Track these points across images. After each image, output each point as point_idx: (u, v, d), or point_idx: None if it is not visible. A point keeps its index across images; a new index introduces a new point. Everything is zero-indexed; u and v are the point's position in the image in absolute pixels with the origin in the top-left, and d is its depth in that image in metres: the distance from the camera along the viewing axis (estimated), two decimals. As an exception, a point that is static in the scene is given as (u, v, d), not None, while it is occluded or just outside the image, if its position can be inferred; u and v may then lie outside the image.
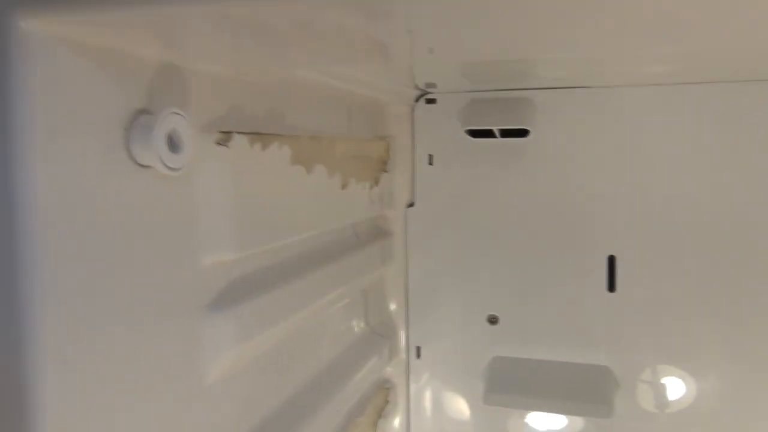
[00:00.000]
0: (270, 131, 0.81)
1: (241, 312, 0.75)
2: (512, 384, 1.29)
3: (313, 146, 0.93)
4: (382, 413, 1.31)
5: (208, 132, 0.68)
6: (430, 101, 1.35)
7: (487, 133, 1.28)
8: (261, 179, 0.79)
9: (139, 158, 0.57)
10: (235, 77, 0.74)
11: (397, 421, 1.40)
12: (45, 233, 0.48)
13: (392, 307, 1.40)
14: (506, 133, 1.27)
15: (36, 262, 0.48)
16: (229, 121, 0.73)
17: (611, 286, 1.25)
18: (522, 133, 1.26)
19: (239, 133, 0.73)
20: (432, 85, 1.29)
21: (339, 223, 1.09)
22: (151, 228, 0.61)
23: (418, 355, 1.41)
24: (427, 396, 1.42)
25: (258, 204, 0.79)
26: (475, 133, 1.29)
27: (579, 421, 1.31)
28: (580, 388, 1.25)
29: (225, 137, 0.70)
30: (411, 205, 1.38)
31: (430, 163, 1.36)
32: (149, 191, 0.60)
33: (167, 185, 0.62)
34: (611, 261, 1.25)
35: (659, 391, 1.26)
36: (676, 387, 1.25)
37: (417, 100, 1.36)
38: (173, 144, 0.58)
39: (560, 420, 1.33)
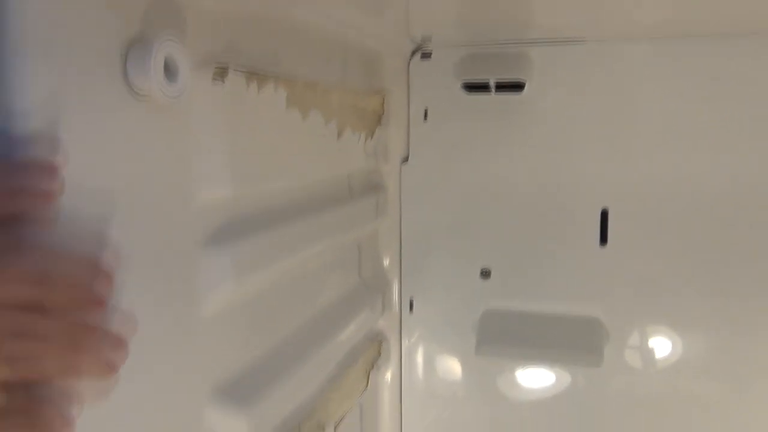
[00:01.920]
0: (266, 72, 0.81)
1: (237, 249, 0.76)
2: (504, 335, 1.31)
3: (309, 92, 0.93)
4: (374, 365, 1.33)
5: (204, 66, 0.68)
6: (426, 55, 1.34)
7: (483, 88, 1.28)
8: (256, 118, 0.79)
9: (137, 86, 0.57)
10: (232, 12, 0.74)
11: (389, 373, 1.42)
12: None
13: (385, 260, 1.41)
14: (501, 87, 1.27)
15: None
16: (224, 58, 0.72)
17: (603, 240, 1.27)
18: (517, 87, 1.26)
19: (235, 70, 0.73)
20: (428, 39, 1.29)
21: (334, 172, 1.09)
22: (148, 160, 0.61)
23: (411, 309, 1.42)
24: (420, 349, 1.44)
25: (253, 143, 0.79)
26: (471, 88, 1.30)
27: (568, 375, 1.34)
28: (570, 339, 1.27)
29: (221, 72, 0.70)
30: (405, 159, 1.38)
31: (425, 118, 1.36)
32: (147, 121, 0.60)
33: (165, 116, 0.62)
34: (604, 215, 1.26)
35: (649, 343, 1.28)
36: (665, 340, 1.27)
37: (413, 54, 1.35)
38: (169, 72, 0.59)
39: (551, 373, 1.35)
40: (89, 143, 0.53)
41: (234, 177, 0.75)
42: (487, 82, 1.25)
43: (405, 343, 1.44)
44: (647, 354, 1.28)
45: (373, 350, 1.34)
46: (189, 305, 0.69)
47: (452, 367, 1.42)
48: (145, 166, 0.60)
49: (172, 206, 0.65)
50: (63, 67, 0.50)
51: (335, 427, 1.10)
